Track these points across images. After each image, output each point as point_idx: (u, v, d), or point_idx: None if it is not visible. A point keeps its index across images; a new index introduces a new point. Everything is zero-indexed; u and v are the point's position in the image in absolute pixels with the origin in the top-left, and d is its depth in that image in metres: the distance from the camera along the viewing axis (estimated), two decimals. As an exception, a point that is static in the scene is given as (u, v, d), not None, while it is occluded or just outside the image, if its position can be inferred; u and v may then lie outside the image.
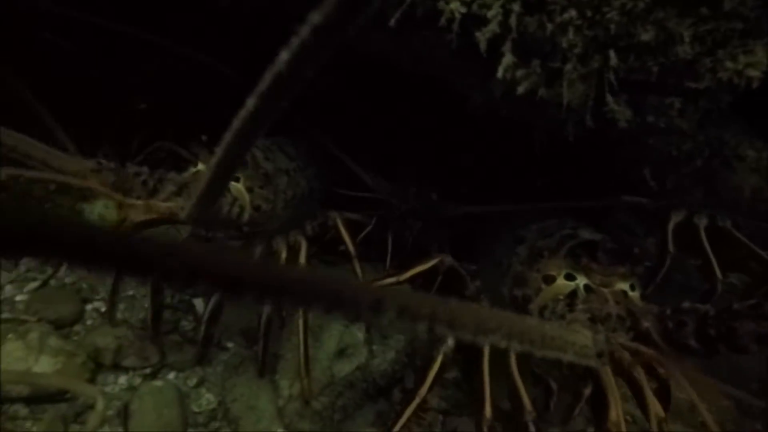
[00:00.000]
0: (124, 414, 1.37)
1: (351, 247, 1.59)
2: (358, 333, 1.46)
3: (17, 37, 1.83)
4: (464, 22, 1.06)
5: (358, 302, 0.40)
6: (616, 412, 1.14)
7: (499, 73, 1.07)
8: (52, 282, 1.68)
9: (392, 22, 1.12)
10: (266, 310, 1.36)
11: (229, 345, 1.62)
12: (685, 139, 1.15)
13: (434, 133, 1.86)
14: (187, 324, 1.66)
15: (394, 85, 1.63)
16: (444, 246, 1.77)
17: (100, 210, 1.85)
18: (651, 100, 1.07)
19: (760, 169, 1.15)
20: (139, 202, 1.26)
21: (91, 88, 1.97)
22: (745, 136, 1.15)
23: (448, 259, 1.43)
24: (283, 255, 1.47)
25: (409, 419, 1.24)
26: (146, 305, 1.50)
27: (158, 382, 1.47)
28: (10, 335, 1.42)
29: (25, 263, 1.71)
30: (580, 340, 0.83)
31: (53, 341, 1.44)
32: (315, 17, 0.48)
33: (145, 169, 1.31)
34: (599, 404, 1.21)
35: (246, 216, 1.40)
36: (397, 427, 1.16)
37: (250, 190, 1.42)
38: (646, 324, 1.15)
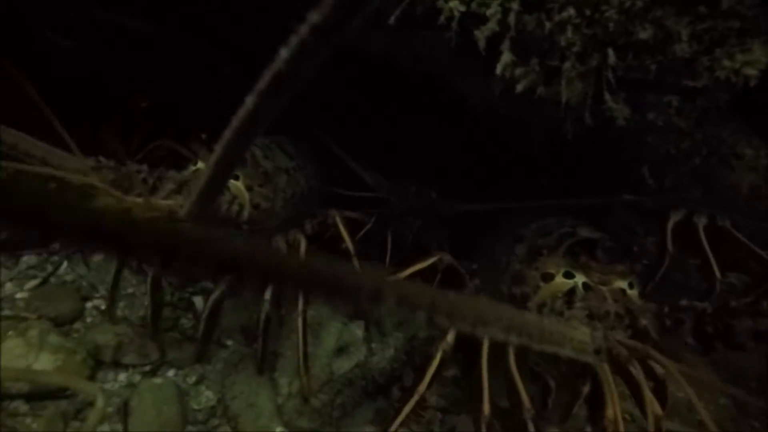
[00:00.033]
0: (124, 411, 1.37)
1: (350, 246, 1.59)
2: (357, 331, 1.46)
3: (19, 35, 1.83)
4: (463, 21, 1.06)
5: (358, 290, 0.41)
6: (613, 409, 1.14)
7: (498, 71, 1.08)
8: (53, 280, 1.68)
9: (392, 20, 1.13)
10: (265, 307, 1.36)
11: (229, 343, 1.62)
12: (683, 137, 1.15)
13: (434, 132, 1.86)
14: (186, 322, 1.67)
15: (394, 84, 1.63)
16: (443, 244, 1.77)
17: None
18: (649, 99, 1.07)
19: (757, 167, 1.15)
20: (139, 199, 1.27)
21: (93, 87, 1.97)
22: (743, 134, 1.15)
23: (447, 258, 1.44)
24: (283, 253, 1.47)
25: (407, 417, 1.24)
26: (146, 303, 1.50)
27: (158, 380, 1.47)
28: (10, 332, 1.42)
29: (26, 261, 1.72)
30: (578, 336, 0.83)
31: (53, 338, 1.44)
32: (314, 17, 0.48)
33: (144, 167, 1.32)
34: (597, 402, 1.21)
35: (245, 214, 1.41)
36: (396, 424, 1.17)
37: (249, 188, 1.42)
38: (644, 322, 1.15)
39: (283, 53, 0.49)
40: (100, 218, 0.32)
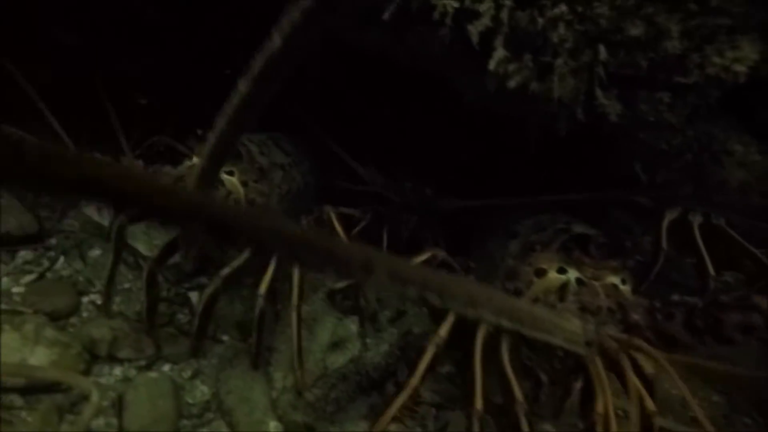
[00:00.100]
0: (119, 405, 1.37)
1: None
2: (352, 326, 1.47)
3: (17, 33, 1.84)
4: (457, 17, 1.07)
5: (349, 260, 0.41)
6: (603, 403, 1.15)
7: (491, 67, 1.09)
8: (49, 275, 1.69)
9: (387, 16, 1.13)
10: (260, 303, 1.37)
11: (224, 338, 1.63)
12: (674, 133, 1.16)
13: (430, 128, 1.87)
14: (182, 317, 1.67)
15: (390, 80, 1.64)
16: (439, 241, 1.78)
17: (98, 203, 1.86)
18: (641, 95, 1.08)
19: (747, 163, 1.16)
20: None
21: (92, 83, 1.98)
22: (734, 131, 1.16)
23: (441, 254, 1.44)
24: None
25: (401, 411, 1.25)
26: (142, 298, 1.51)
27: (153, 374, 1.48)
28: (6, 327, 1.43)
29: (22, 256, 1.72)
30: (569, 327, 0.84)
31: (49, 332, 1.45)
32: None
33: (140, 162, 1.33)
34: (589, 397, 1.22)
35: (241, 209, 1.41)
36: (387, 417, 1.17)
37: (244, 184, 1.43)
38: (635, 316, 1.16)
39: (276, 37, 0.50)
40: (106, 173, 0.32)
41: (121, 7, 1.96)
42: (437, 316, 1.36)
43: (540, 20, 1.02)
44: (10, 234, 1.70)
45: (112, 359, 1.49)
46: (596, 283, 1.23)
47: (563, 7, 1.00)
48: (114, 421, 1.36)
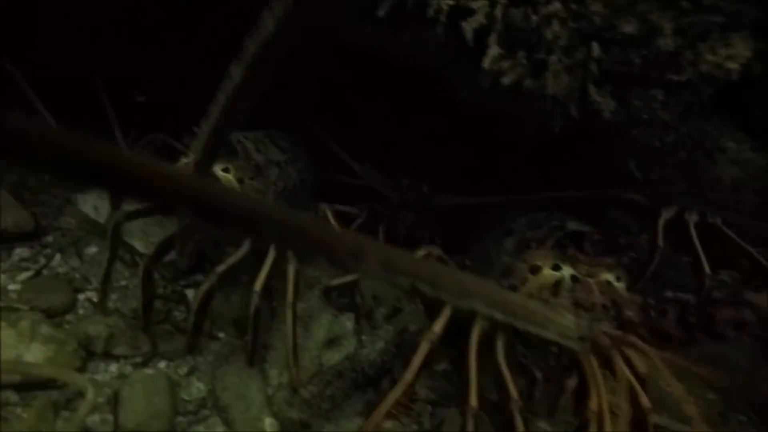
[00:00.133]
0: (115, 401, 1.38)
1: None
2: (348, 323, 1.47)
3: (14, 30, 1.84)
4: (451, 14, 1.08)
5: (340, 246, 0.41)
6: (597, 401, 1.15)
7: (486, 64, 1.09)
8: (45, 272, 1.69)
9: (382, 13, 1.14)
10: (255, 300, 1.37)
11: (221, 335, 1.63)
12: (668, 131, 1.17)
13: (426, 126, 1.88)
14: (179, 314, 1.67)
15: (386, 78, 1.64)
16: (436, 238, 1.78)
17: (94, 200, 1.87)
18: (634, 92, 1.09)
19: (740, 161, 1.17)
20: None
21: (88, 81, 1.98)
22: (726, 128, 1.17)
23: (437, 251, 1.45)
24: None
25: (396, 408, 1.25)
26: (138, 295, 1.51)
27: (149, 371, 1.48)
28: (2, 324, 1.43)
29: (19, 253, 1.72)
30: (562, 321, 0.84)
31: (44, 329, 1.45)
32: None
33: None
34: (583, 394, 1.23)
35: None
36: (381, 412, 1.17)
37: (240, 180, 1.43)
38: (629, 313, 1.17)
39: (268, 20, 0.49)
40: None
41: (121, 5, 1.96)
42: (433, 314, 1.36)
43: (534, 17, 1.03)
44: (6, 231, 1.70)
45: (108, 356, 1.49)
46: (590, 280, 1.24)
47: (557, 5, 1.01)
48: (110, 417, 1.36)
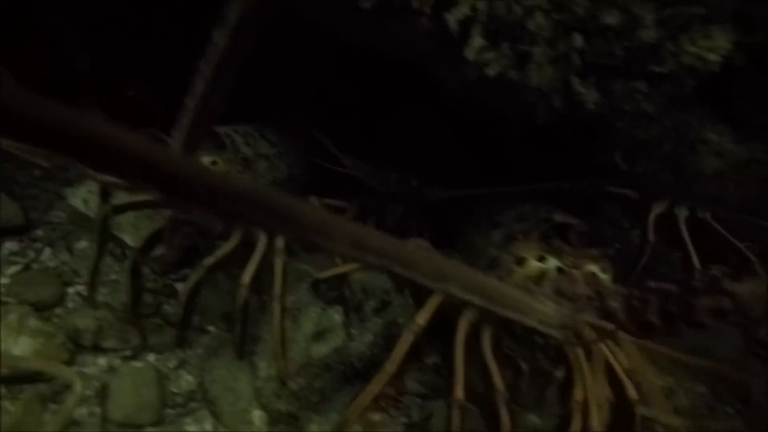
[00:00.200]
0: (103, 393, 1.38)
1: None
2: (336, 316, 1.48)
3: (5, 27, 1.84)
4: (436, 5, 1.08)
5: (306, 222, 0.39)
6: (581, 391, 1.16)
7: (470, 56, 1.09)
8: (34, 266, 1.69)
9: (367, 4, 1.14)
10: (242, 292, 1.37)
11: (210, 328, 1.63)
12: (652, 123, 1.17)
13: (414, 119, 1.88)
14: (169, 308, 1.67)
15: (373, 71, 1.65)
16: (424, 231, 1.79)
17: (84, 195, 1.86)
18: (618, 84, 1.09)
19: (722, 152, 1.18)
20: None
21: (78, 75, 1.98)
22: (708, 120, 1.17)
23: (425, 244, 1.45)
24: (262, 240, 1.48)
25: (382, 398, 1.26)
26: (126, 288, 1.51)
27: (138, 363, 1.48)
28: (-10, 317, 1.43)
29: (8, 247, 1.72)
30: (543, 308, 0.84)
31: (32, 322, 1.45)
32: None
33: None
34: (569, 386, 1.24)
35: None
36: (361, 403, 1.18)
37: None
38: (614, 304, 1.18)
39: None
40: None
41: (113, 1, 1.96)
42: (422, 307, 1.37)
43: (517, 9, 1.03)
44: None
45: (97, 349, 1.49)
46: (576, 271, 1.24)
47: (540, -4, 1.01)
48: (97, 410, 1.37)
